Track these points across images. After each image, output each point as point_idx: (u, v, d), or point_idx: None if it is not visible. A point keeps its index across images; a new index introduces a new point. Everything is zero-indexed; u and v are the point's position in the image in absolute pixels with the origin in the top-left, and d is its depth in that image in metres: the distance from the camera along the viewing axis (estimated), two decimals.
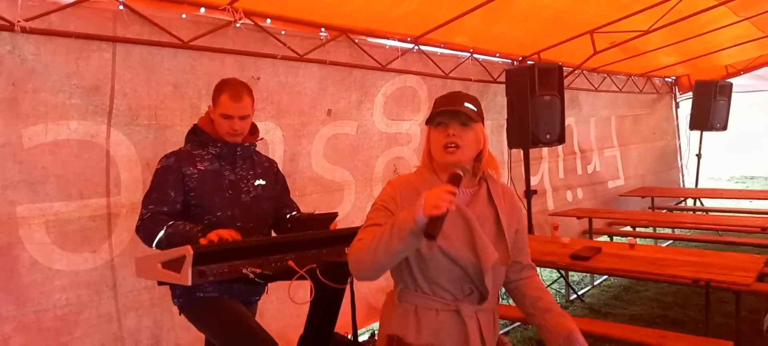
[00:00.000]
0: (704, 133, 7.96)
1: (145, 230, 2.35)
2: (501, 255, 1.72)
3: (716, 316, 4.42)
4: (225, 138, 2.50)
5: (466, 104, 1.73)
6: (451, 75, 4.97)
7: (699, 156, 8.16)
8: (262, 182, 2.62)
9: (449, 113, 1.71)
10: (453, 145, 1.68)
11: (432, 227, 1.46)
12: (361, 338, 2.92)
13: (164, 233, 2.27)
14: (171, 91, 3.14)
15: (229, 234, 2.20)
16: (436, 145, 1.72)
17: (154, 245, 2.30)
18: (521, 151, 5.24)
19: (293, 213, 2.68)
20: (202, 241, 2.13)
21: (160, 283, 2.36)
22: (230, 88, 2.47)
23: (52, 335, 2.75)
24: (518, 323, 4.66)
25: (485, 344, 1.74)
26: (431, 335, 1.71)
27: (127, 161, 3.00)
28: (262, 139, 2.71)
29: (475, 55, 5.14)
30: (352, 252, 1.66)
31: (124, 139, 2.98)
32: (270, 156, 3.58)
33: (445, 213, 1.47)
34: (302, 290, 2.14)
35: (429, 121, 1.74)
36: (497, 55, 5.42)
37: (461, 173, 1.62)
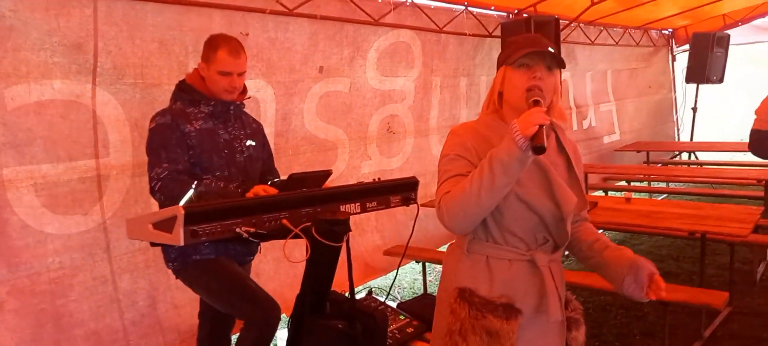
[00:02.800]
0: (701, 86, 7.91)
1: (166, 192, 2.24)
2: (579, 200, 1.66)
3: (709, 268, 4.45)
4: (221, 96, 2.42)
5: (550, 49, 1.61)
6: (445, 29, 4.86)
7: (694, 109, 8.12)
8: (252, 142, 2.58)
9: (538, 54, 1.58)
10: (537, 89, 1.56)
11: (538, 140, 1.43)
12: (357, 296, 2.92)
13: (195, 193, 2.16)
14: (157, 49, 3.05)
15: (264, 191, 2.18)
16: (517, 88, 1.59)
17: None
18: None
19: (275, 180, 2.64)
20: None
21: (152, 244, 2.33)
22: (228, 44, 2.39)
23: (46, 298, 2.74)
24: None
25: (559, 295, 1.68)
26: (505, 287, 1.64)
27: (115, 121, 2.93)
28: (250, 97, 2.65)
29: (469, 8, 5.03)
30: (446, 206, 1.57)
31: (111, 99, 2.90)
32: (262, 115, 3.53)
33: (544, 125, 1.44)
34: (298, 249, 2.11)
35: (509, 62, 1.61)
36: (492, 7, 5.30)
37: (541, 99, 1.53)
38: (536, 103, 1.52)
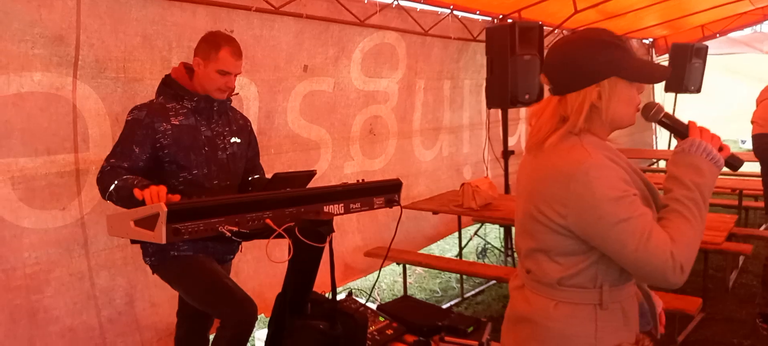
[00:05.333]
0: (679, 96, 8.05)
1: (101, 183, 2.27)
2: None
3: None
4: (213, 95, 2.41)
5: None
6: (430, 32, 4.89)
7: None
8: (237, 139, 2.56)
9: (661, 74, 1.41)
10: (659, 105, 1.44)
11: (734, 157, 1.40)
12: (338, 297, 2.92)
13: (114, 187, 2.18)
14: (140, 43, 3.01)
15: (157, 191, 2.02)
16: (631, 104, 1.38)
17: (105, 198, 2.24)
18: (499, 112, 5.23)
19: (256, 176, 2.63)
20: (136, 193, 2.01)
21: (133, 241, 2.31)
22: (231, 44, 2.38)
23: (22, 293, 2.69)
24: (494, 282, 4.73)
25: None
26: (636, 324, 1.49)
27: (96, 116, 2.89)
28: (237, 94, 2.63)
29: (455, 12, 5.06)
30: (685, 257, 1.30)
31: (92, 93, 2.86)
32: (245, 113, 3.51)
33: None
34: (280, 249, 2.10)
35: (627, 74, 1.36)
36: (477, 12, 5.34)
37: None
38: (664, 116, 1.43)
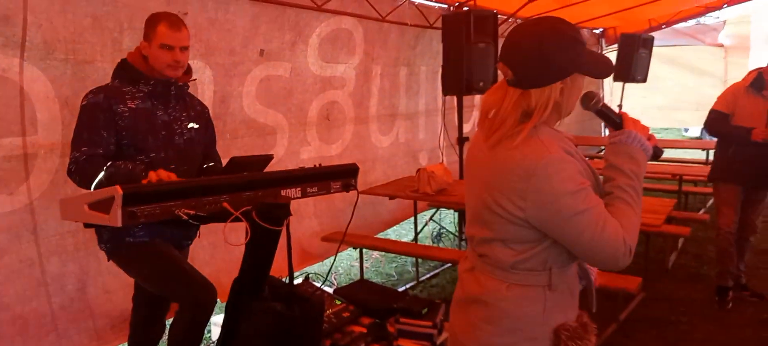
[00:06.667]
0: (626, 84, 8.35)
1: (81, 174, 2.22)
2: None
3: None
4: (165, 72, 2.38)
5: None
6: (387, 19, 4.92)
7: (620, 106, 8.57)
8: (195, 125, 2.55)
9: (611, 68, 1.47)
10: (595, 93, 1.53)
11: (656, 148, 1.50)
12: (295, 282, 2.95)
13: (105, 174, 2.15)
14: (90, 24, 2.94)
15: (167, 176, 2.13)
16: (577, 95, 1.46)
17: (92, 188, 2.20)
18: (455, 99, 5.32)
19: (210, 164, 2.63)
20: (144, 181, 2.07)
21: (86, 225, 2.28)
22: (167, 18, 2.36)
23: None
24: (448, 265, 4.84)
25: None
26: (577, 302, 1.57)
27: (44, 98, 2.81)
28: (194, 79, 2.61)
29: None
30: (633, 244, 1.38)
31: (40, 75, 2.78)
32: (199, 96, 3.47)
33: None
34: (236, 233, 2.12)
35: (585, 69, 1.42)
36: None
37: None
38: (603, 106, 1.49)
